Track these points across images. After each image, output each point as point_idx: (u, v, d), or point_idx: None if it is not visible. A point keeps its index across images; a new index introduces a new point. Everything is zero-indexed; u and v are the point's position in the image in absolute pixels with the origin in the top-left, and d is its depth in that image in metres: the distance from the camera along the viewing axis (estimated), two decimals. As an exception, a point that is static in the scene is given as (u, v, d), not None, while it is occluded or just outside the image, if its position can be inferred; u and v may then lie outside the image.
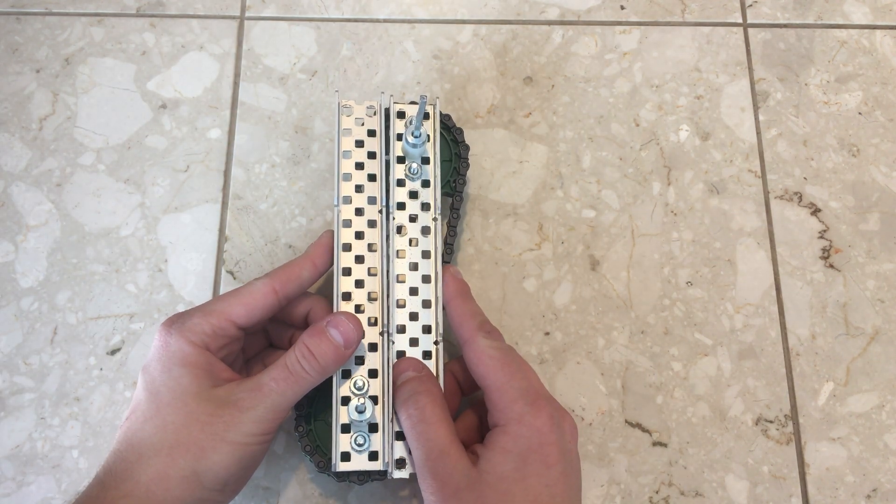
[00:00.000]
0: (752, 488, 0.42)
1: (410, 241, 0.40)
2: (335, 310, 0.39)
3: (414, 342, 0.39)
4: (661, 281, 0.46)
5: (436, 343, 0.39)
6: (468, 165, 0.44)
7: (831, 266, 0.47)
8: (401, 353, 0.39)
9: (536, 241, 0.47)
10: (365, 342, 0.39)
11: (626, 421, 0.43)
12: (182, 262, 0.46)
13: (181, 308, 0.45)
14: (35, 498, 0.42)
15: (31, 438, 0.43)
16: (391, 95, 0.43)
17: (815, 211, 0.48)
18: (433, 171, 0.42)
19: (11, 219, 0.48)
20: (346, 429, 0.37)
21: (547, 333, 0.45)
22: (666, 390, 0.44)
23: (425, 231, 0.41)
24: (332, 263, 0.40)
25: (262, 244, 0.47)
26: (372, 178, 0.41)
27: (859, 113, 0.50)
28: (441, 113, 0.43)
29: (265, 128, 0.50)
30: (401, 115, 0.42)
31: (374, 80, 0.51)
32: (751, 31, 0.52)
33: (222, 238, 0.47)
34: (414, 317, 0.40)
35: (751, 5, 0.53)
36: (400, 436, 0.37)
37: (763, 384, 0.44)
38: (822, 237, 0.47)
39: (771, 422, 0.43)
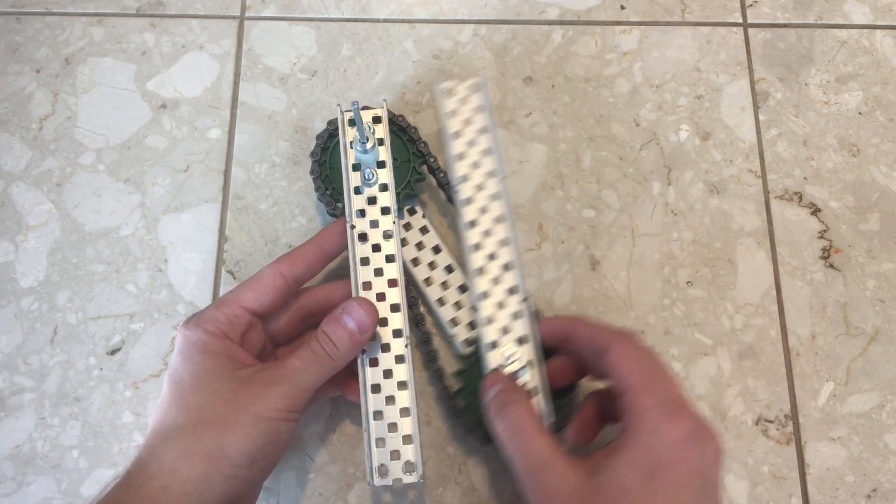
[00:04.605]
0: (752, 488, 0.42)
1: (373, 246, 0.41)
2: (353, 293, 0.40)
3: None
4: (661, 281, 0.46)
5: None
6: (431, 160, 0.44)
7: (831, 266, 0.47)
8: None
9: (536, 240, 0.47)
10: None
11: (626, 421, 0.43)
12: (182, 262, 0.46)
13: (181, 308, 0.46)
14: (35, 498, 0.42)
15: (31, 438, 0.43)
16: (339, 105, 0.43)
17: (815, 211, 0.48)
18: (389, 174, 0.42)
19: (11, 219, 0.48)
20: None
21: (547, 333, 0.45)
22: (666, 390, 0.44)
23: (387, 235, 0.41)
24: (342, 248, 0.41)
25: (262, 244, 0.47)
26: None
27: (859, 113, 0.50)
28: (393, 113, 0.44)
29: (265, 128, 0.50)
30: (352, 122, 0.43)
31: (375, 79, 0.51)
32: (751, 31, 0.52)
33: (222, 238, 0.47)
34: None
35: (751, 5, 0.53)
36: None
37: (763, 384, 0.44)
38: (822, 237, 0.47)
39: (771, 422, 0.43)
